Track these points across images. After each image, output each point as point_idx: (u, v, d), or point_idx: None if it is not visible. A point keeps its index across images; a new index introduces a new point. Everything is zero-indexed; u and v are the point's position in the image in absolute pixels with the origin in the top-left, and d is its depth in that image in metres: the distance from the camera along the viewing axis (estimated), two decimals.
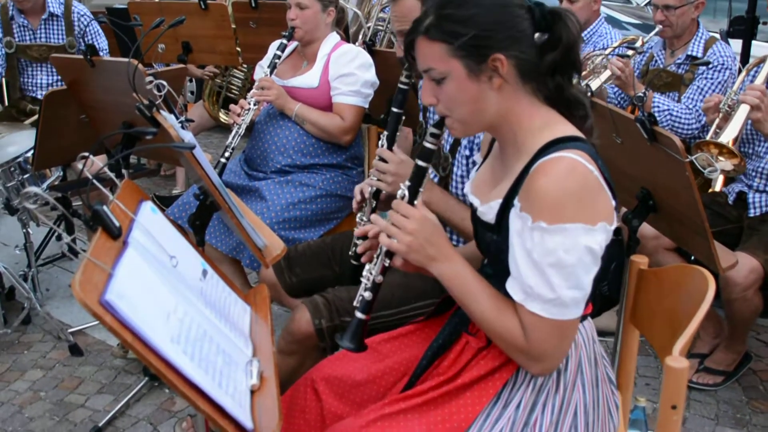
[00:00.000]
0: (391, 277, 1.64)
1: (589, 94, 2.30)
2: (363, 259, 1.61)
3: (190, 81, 6.04)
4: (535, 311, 1.37)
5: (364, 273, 1.55)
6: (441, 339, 1.64)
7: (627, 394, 1.88)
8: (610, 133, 2.24)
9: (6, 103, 4.19)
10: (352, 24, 4.41)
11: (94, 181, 1.32)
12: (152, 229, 1.39)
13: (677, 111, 3.22)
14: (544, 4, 1.42)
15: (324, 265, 2.42)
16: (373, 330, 1.83)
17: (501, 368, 1.51)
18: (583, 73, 3.47)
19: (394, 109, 2.12)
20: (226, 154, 2.87)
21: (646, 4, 7.61)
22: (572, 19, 1.42)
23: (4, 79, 4.20)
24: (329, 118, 2.91)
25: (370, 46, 3.26)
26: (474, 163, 1.88)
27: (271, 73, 2.95)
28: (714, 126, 2.80)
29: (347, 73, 2.89)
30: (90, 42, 4.07)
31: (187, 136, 1.78)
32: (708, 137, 2.77)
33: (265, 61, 3.07)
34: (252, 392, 1.30)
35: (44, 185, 3.27)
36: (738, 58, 3.63)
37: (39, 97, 4.07)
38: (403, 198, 1.50)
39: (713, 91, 3.20)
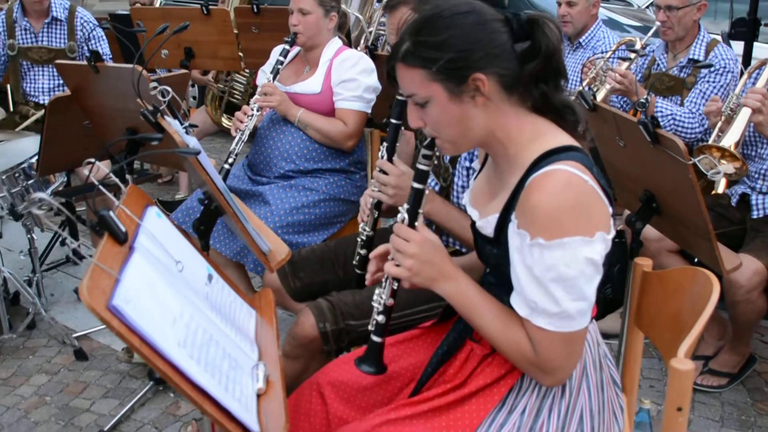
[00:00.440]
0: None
1: (591, 99, 2.30)
2: (368, 283, 1.63)
3: (192, 86, 6.06)
4: (542, 326, 1.36)
5: (375, 297, 1.57)
6: (446, 345, 1.64)
7: (632, 396, 1.88)
8: (613, 136, 2.25)
9: (11, 108, 4.22)
10: (353, 29, 4.41)
11: (100, 186, 1.32)
12: (158, 234, 1.40)
13: (680, 115, 3.22)
14: (521, 14, 1.41)
15: (328, 270, 2.42)
16: None
17: (506, 375, 1.51)
18: (586, 81, 3.48)
19: (393, 121, 2.13)
20: (230, 160, 2.88)
21: (647, 6, 7.62)
22: (550, 26, 1.40)
23: (8, 86, 4.23)
24: (332, 123, 2.92)
25: (372, 51, 3.27)
26: (474, 170, 1.89)
27: (273, 78, 2.96)
28: (716, 129, 2.80)
29: (349, 78, 2.89)
30: (94, 47, 4.10)
31: (192, 142, 1.78)
32: (710, 141, 2.77)
33: (268, 67, 3.08)
34: (258, 396, 1.31)
35: (48, 191, 3.28)
36: (740, 60, 3.64)
37: (41, 101, 4.10)
38: (403, 221, 1.51)
39: (716, 94, 3.20)
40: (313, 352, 2.14)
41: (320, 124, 2.91)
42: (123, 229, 1.27)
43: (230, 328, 1.42)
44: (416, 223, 1.51)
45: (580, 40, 3.93)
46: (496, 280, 1.54)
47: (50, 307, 3.50)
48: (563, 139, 1.43)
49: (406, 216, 1.51)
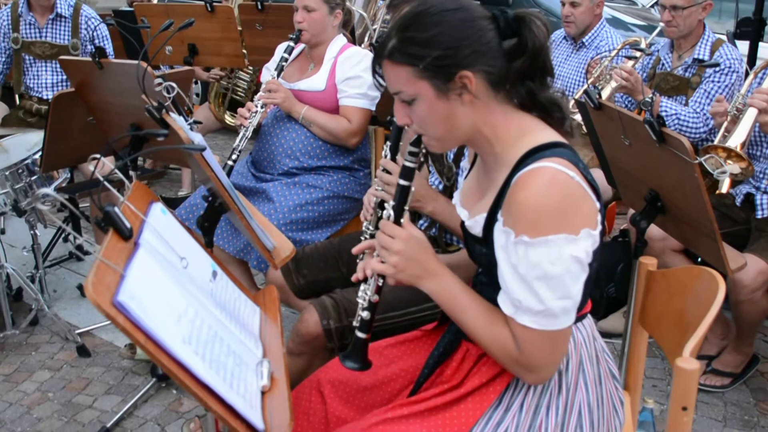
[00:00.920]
0: None
1: (597, 97, 2.30)
2: (354, 279, 1.61)
3: (195, 83, 6.06)
4: (526, 324, 1.36)
5: (360, 294, 1.57)
6: (441, 347, 1.64)
7: (636, 395, 1.88)
8: (618, 135, 2.24)
9: (17, 102, 4.23)
10: (357, 26, 4.41)
11: (105, 183, 1.32)
12: (163, 231, 1.40)
13: (685, 115, 3.22)
14: (507, 12, 1.40)
15: (332, 267, 2.42)
16: (381, 332, 1.84)
17: (502, 373, 1.51)
18: (591, 80, 3.48)
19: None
20: (234, 157, 2.88)
21: (651, 6, 7.60)
22: (537, 23, 1.40)
23: (10, 81, 4.24)
24: (336, 120, 2.91)
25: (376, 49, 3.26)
26: (465, 169, 1.88)
27: (278, 75, 2.96)
28: (722, 129, 2.79)
29: (354, 75, 2.89)
30: (98, 44, 4.11)
31: (197, 138, 1.78)
32: (716, 141, 2.77)
33: (272, 64, 3.08)
34: (263, 393, 1.30)
35: (52, 187, 3.28)
36: (745, 60, 3.63)
37: (45, 97, 4.11)
38: (388, 218, 1.51)
39: (720, 94, 3.20)
40: (317, 349, 2.14)
41: (324, 121, 2.90)
42: (128, 225, 1.27)
43: (235, 325, 1.42)
44: (402, 220, 1.51)
45: (584, 40, 3.92)
46: (488, 279, 1.54)
47: (53, 303, 3.51)
48: (550, 135, 1.43)
49: (391, 213, 1.51)
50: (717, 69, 3.22)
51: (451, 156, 2.17)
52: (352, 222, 3.00)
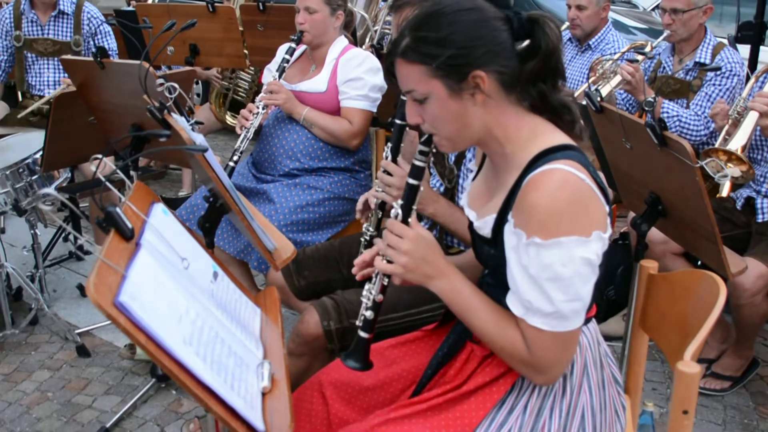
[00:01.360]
0: None
1: (598, 99, 2.30)
2: (359, 278, 1.61)
3: (196, 83, 6.06)
4: (536, 325, 1.36)
5: (364, 293, 1.56)
6: (446, 347, 1.64)
7: (636, 398, 1.88)
8: (619, 138, 2.24)
9: (20, 99, 4.24)
10: (359, 27, 4.41)
11: (107, 183, 1.32)
12: (164, 231, 1.40)
13: (686, 117, 3.22)
14: (521, 13, 1.41)
15: (332, 268, 2.42)
16: (382, 333, 1.83)
17: (506, 374, 1.51)
18: (593, 78, 3.48)
19: (397, 121, 2.12)
20: (234, 158, 2.88)
21: (652, 9, 7.61)
22: (551, 25, 1.40)
23: (12, 80, 4.25)
24: (337, 122, 2.91)
25: (378, 50, 3.26)
26: (472, 171, 1.88)
27: (279, 77, 2.96)
28: (723, 133, 2.80)
29: (355, 77, 2.89)
30: (100, 43, 4.11)
31: (199, 139, 1.78)
32: (717, 144, 2.77)
33: (274, 65, 3.08)
34: (263, 394, 1.30)
35: (52, 186, 3.28)
36: (746, 63, 3.63)
37: (46, 95, 4.11)
38: (396, 217, 1.50)
39: (721, 97, 3.20)
40: (317, 350, 2.14)
41: (325, 123, 2.90)
42: (129, 225, 1.27)
43: (235, 326, 1.42)
44: (410, 220, 1.50)
45: (590, 42, 3.94)
46: (495, 281, 1.54)
47: (53, 303, 3.51)
48: (560, 138, 1.43)
49: (400, 212, 1.51)
50: (718, 72, 3.23)
51: (453, 158, 2.17)
52: (352, 224, 3.00)
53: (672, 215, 2.21)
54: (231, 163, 2.89)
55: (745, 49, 4.01)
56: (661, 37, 3.44)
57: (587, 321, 1.52)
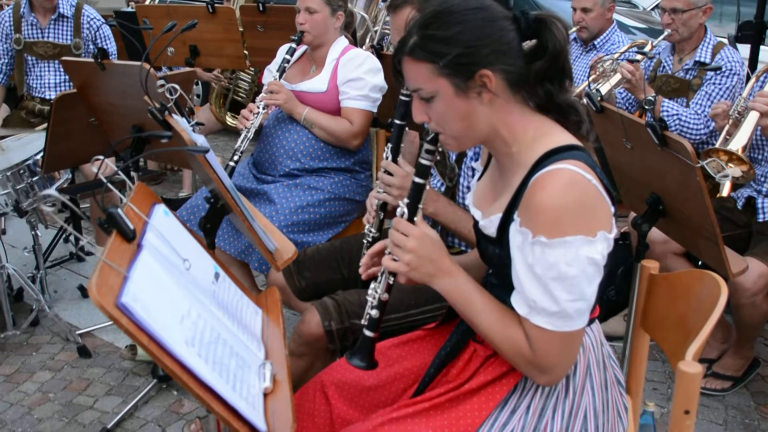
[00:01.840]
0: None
1: (599, 98, 2.30)
2: (364, 277, 1.61)
3: (196, 84, 6.06)
4: (540, 324, 1.36)
5: (370, 291, 1.56)
6: (449, 347, 1.64)
7: (637, 398, 1.88)
8: (620, 138, 2.24)
9: (22, 99, 4.24)
10: (359, 28, 4.41)
11: (109, 184, 1.32)
12: (165, 232, 1.40)
13: (686, 116, 3.22)
14: (529, 13, 1.41)
15: (333, 269, 2.42)
16: (383, 333, 1.83)
17: (508, 374, 1.51)
18: (593, 77, 3.48)
19: (397, 122, 2.12)
20: (235, 158, 2.88)
21: (652, 9, 7.61)
22: (558, 26, 1.40)
23: (13, 82, 4.24)
24: (338, 122, 2.91)
25: (378, 50, 3.27)
26: (477, 170, 1.88)
27: (280, 77, 2.96)
28: (723, 132, 2.80)
29: (356, 77, 2.89)
30: (100, 45, 4.11)
31: (200, 140, 1.78)
32: (718, 144, 2.77)
33: (274, 65, 3.08)
34: (265, 395, 1.30)
35: (53, 188, 3.28)
36: (746, 63, 3.63)
37: (47, 97, 4.12)
38: (402, 216, 1.50)
39: (721, 96, 3.20)
40: (318, 351, 2.14)
41: (326, 123, 2.91)
42: (131, 226, 1.27)
43: (237, 327, 1.42)
44: (415, 218, 1.50)
45: (595, 43, 3.95)
46: (499, 281, 1.54)
47: (54, 303, 3.50)
48: (566, 138, 1.44)
49: (405, 210, 1.51)
50: (718, 72, 3.23)
51: (454, 157, 2.17)
52: (353, 224, 3.01)
53: (673, 215, 2.21)
54: (231, 164, 2.89)
55: (745, 49, 4.01)
56: (661, 37, 3.44)
57: (590, 322, 1.52)
